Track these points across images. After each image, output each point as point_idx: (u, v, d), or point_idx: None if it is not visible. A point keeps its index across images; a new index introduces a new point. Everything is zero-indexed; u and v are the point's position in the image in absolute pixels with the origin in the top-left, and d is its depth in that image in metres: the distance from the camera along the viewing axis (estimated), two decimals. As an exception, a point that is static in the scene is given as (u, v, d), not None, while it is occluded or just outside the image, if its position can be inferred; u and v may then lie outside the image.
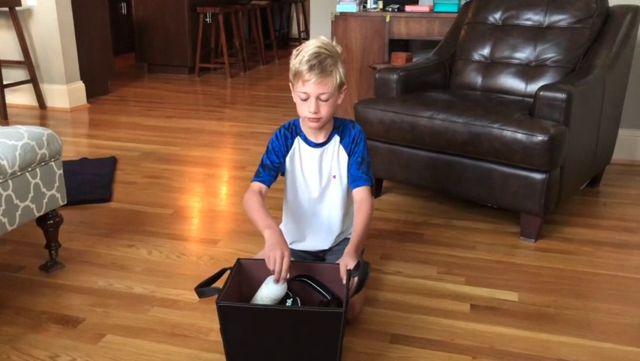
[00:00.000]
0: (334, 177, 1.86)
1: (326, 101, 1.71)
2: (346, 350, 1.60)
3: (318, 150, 1.84)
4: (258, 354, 1.51)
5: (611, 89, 2.61)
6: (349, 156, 1.85)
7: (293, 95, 1.79)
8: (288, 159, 1.86)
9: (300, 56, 1.69)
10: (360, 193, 1.82)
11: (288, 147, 1.86)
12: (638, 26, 2.73)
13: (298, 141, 1.86)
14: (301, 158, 1.86)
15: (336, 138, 1.85)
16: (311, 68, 1.66)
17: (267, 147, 1.87)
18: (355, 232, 1.76)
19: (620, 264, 2.17)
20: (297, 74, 1.70)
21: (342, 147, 1.84)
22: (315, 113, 1.71)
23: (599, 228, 2.47)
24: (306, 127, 1.84)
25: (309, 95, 1.70)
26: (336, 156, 1.85)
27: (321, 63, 1.66)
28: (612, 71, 2.57)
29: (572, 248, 2.28)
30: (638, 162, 3.28)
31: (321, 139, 1.84)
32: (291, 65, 1.73)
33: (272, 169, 1.85)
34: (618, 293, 1.97)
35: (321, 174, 1.86)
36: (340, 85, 1.73)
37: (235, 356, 1.51)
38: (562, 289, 1.98)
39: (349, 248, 1.70)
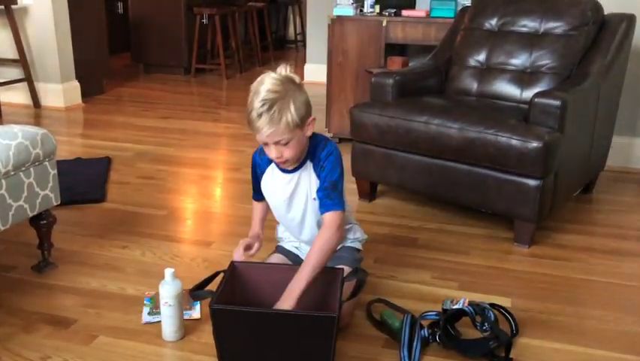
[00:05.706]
0: (314, 199, 1.75)
1: (286, 144, 1.62)
2: (339, 355, 1.60)
3: (289, 176, 1.76)
4: (251, 357, 1.51)
5: (606, 96, 2.63)
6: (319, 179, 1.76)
7: None
8: (262, 186, 1.83)
9: (251, 102, 1.58)
10: (324, 219, 1.69)
11: (258, 175, 1.83)
12: (633, 35, 2.75)
13: (272, 169, 1.79)
14: (275, 183, 1.79)
15: (309, 164, 1.75)
16: (259, 117, 1.56)
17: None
18: (304, 266, 1.59)
19: (613, 271, 2.18)
20: (250, 123, 1.61)
21: (313, 173, 1.74)
22: (278, 158, 1.65)
23: (592, 234, 2.48)
24: None
25: (267, 142, 1.63)
26: (311, 179, 1.75)
27: (268, 111, 1.54)
28: (606, 78, 2.59)
29: (566, 254, 2.29)
30: (632, 169, 3.29)
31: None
32: (247, 107, 1.63)
33: (258, 190, 1.87)
34: (611, 300, 1.98)
35: (298, 198, 1.78)
36: (297, 124, 1.59)
37: (227, 358, 1.51)
38: (555, 296, 1.99)
39: (289, 287, 1.56)
